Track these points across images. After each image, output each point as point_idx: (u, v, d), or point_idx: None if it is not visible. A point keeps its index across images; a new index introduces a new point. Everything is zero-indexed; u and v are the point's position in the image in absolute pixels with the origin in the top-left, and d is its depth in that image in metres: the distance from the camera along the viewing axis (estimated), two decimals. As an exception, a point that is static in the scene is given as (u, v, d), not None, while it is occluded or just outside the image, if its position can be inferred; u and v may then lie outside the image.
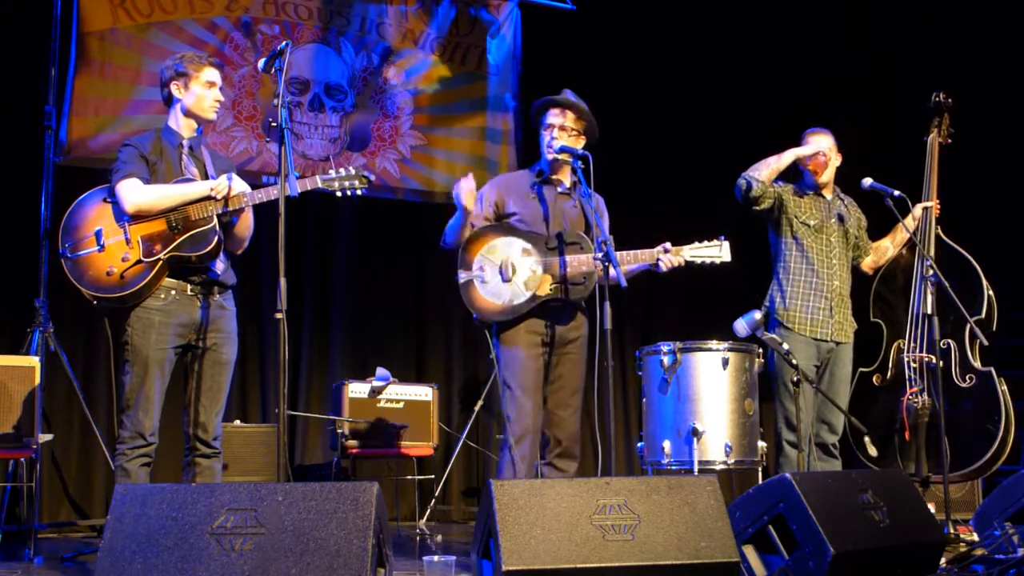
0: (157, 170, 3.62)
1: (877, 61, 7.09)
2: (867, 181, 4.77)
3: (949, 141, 5.11)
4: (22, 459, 4.53)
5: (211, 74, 3.69)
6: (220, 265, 3.67)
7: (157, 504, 2.54)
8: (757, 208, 4.66)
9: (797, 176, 4.87)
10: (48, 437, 4.50)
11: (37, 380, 4.29)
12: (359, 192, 3.68)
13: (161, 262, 3.52)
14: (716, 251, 3.95)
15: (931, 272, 4.63)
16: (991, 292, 4.92)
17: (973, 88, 7.08)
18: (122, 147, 3.67)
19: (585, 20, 6.94)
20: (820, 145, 4.73)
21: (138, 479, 3.46)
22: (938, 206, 5.04)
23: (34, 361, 4.37)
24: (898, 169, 4.88)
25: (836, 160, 4.82)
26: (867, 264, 4.95)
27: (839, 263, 4.71)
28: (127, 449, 3.47)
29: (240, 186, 3.60)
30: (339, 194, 3.66)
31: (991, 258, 7.00)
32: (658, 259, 3.91)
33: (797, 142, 4.85)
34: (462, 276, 3.83)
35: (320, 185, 3.62)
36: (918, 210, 4.97)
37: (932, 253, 4.92)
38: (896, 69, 6.75)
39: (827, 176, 4.77)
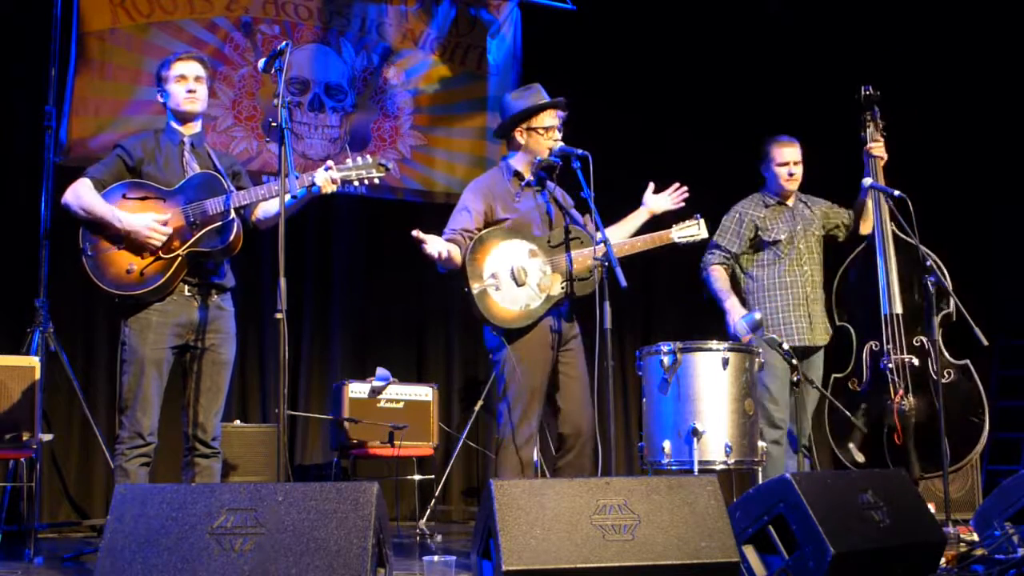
0: (156, 167, 3.64)
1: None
2: (867, 181, 4.78)
3: (884, 135, 5.08)
4: (22, 459, 4.53)
5: (180, 68, 3.69)
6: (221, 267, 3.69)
7: (157, 504, 2.53)
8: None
9: (762, 181, 4.88)
10: (48, 437, 4.50)
11: (37, 380, 4.29)
12: (376, 181, 3.67)
13: (180, 258, 3.53)
14: (695, 229, 4.08)
15: (931, 272, 4.62)
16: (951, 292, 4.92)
17: (977, 87, 7.10)
18: (113, 147, 3.72)
19: (585, 20, 6.94)
20: (785, 156, 4.77)
21: (137, 479, 3.46)
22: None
23: (34, 361, 4.37)
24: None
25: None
26: (864, 230, 4.95)
27: (811, 268, 4.75)
28: (126, 449, 3.48)
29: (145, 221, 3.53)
30: (356, 183, 3.65)
31: (996, 257, 7.02)
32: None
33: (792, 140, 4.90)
34: (475, 287, 3.74)
35: (338, 176, 3.60)
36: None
37: (892, 251, 4.92)
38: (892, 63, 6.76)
39: (795, 186, 4.82)
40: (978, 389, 4.85)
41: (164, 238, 3.51)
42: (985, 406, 4.83)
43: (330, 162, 3.63)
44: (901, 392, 4.75)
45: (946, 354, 4.89)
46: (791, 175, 4.75)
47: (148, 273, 3.51)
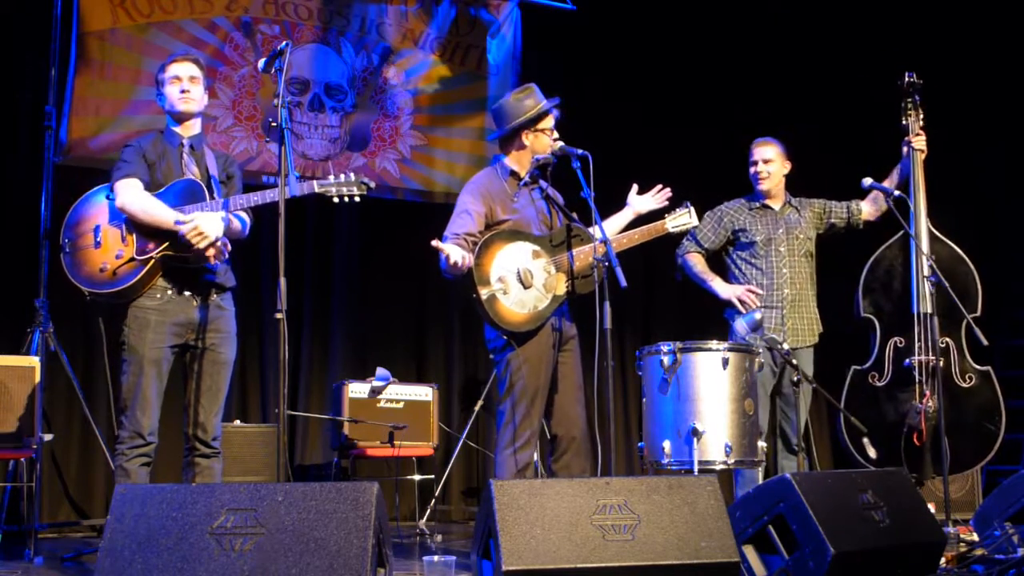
0: (159, 169, 3.65)
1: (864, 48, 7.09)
2: (867, 181, 4.78)
3: (924, 125, 5.07)
4: (22, 459, 4.53)
5: (175, 69, 3.71)
6: (218, 266, 3.68)
7: (157, 504, 2.54)
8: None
9: (751, 187, 4.92)
10: (48, 437, 4.50)
11: (37, 380, 4.29)
12: (357, 199, 3.68)
13: (154, 260, 3.53)
14: (687, 218, 4.19)
15: (931, 272, 4.62)
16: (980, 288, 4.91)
17: (978, 87, 7.10)
18: (124, 147, 3.72)
19: (585, 20, 6.94)
20: (753, 155, 4.88)
21: (138, 479, 3.46)
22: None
23: (34, 361, 4.37)
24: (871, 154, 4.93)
25: (783, 168, 4.89)
26: (867, 214, 4.94)
27: (791, 271, 4.76)
28: (126, 449, 3.48)
29: (213, 229, 3.53)
30: (336, 200, 3.66)
31: (1000, 257, 7.00)
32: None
33: (789, 138, 4.92)
34: (484, 293, 3.71)
35: (317, 191, 3.62)
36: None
37: (926, 249, 4.89)
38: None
39: (767, 185, 4.85)
40: (997, 396, 4.83)
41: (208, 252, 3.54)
42: (1003, 413, 4.80)
43: (314, 182, 3.64)
44: (928, 395, 4.73)
45: (969, 358, 4.87)
46: (757, 173, 4.86)
47: (120, 273, 3.52)
